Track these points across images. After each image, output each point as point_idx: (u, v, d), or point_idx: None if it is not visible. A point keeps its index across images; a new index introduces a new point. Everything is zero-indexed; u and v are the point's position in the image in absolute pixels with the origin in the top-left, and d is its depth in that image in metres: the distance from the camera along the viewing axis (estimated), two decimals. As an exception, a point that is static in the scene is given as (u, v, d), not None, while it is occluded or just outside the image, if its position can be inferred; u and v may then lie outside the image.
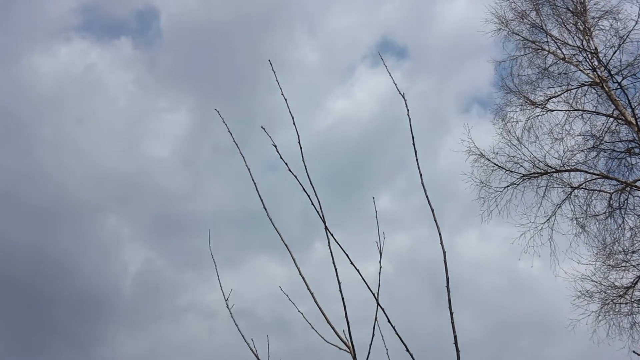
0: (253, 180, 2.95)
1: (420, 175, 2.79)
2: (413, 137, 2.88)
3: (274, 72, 3.05)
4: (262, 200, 2.90)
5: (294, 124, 2.94)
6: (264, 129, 2.79)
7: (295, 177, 2.70)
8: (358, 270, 2.56)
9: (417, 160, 2.90)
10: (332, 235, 2.69)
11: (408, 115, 2.93)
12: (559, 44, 13.62)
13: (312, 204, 2.66)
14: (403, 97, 3.03)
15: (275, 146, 2.74)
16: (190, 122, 27.29)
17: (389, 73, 3.08)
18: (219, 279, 3.12)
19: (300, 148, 2.88)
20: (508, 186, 13.67)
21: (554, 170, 13.01)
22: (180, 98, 27.81)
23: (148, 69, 28.84)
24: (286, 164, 2.70)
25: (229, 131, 3.13)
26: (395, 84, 3.12)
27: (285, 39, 28.10)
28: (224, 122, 3.13)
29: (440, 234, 2.68)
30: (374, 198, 2.91)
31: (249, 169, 3.03)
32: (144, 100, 27.29)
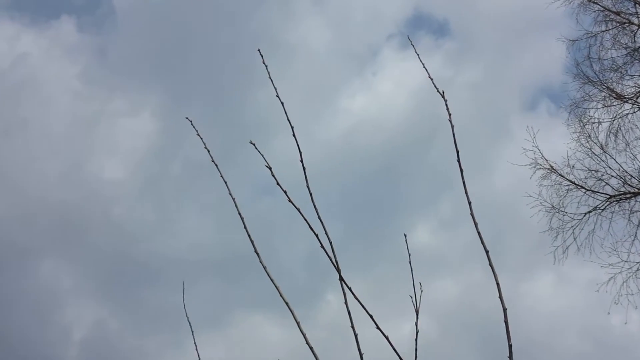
0: (240, 214, 2.96)
1: (469, 203, 2.79)
2: (457, 151, 2.88)
3: (266, 66, 3.09)
4: (252, 240, 2.90)
5: (294, 136, 2.96)
6: (253, 144, 2.80)
7: (298, 209, 2.71)
8: (386, 337, 2.55)
9: (463, 181, 2.90)
10: (349, 288, 2.69)
11: (450, 121, 2.94)
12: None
13: (322, 246, 2.67)
14: (442, 96, 3.05)
15: (270, 168, 2.75)
16: (155, 130, 27.50)
17: (423, 65, 3.11)
18: (196, 346, 3.11)
19: (304, 169, 2.89)
20: (590, 212, 13.63)
21: (652, 188, 12.99)
22: (142, 98, 28.10)
23: (98, 60, 29.21)
24: (285, 192, 2.72)
25: (205, 147, 3.16)
26: (432, 79, 3.14)
27: (281, 14, 28.44)
28: (198, 134, 3.16)
29: (498, 284, 2.67)
30: (405, 236, 2.91)
31: (233, 199, 3.04)
32: (93, 101, 27.56)
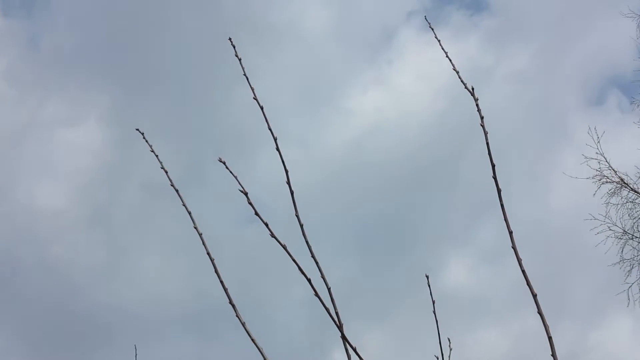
0: (208, 253, 2.96)
1: (510, 233, 2.78)
2: (493, 165, 2.87)
3: (239, 60, 3.10)
4: (225, 288, 2.90)
5: (277, 149, 2.97)
6: (223, 162, 2.79)
7: (283, 246, 2.70)
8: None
9: (501, 204, 2.89)
10: (353, 348, 2.67)
11: (483, 126, 2.93)
12: None
13: (316, 294, 2.64)
14: (472, 93, 3.04)
15: (246, 194, 2.74)
16: (103, 143, 27.50)
17: (446, 54, 3.12)
18: None
19: (291, 193, 2.89)
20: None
21: None
22: (85, 101, 28.13)
23: (28, 52, 29.28)
24: (266, 224, 2.70)
25: (162, 167, 3.17)
26: (457, 72, 3.15)
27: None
28: (152, 150, 3.16)
29: (550, 337, 2.65)
30: (428, 278, 2.88)
31: (200, 234, 3.03)
32: (21, 107, 27.61)
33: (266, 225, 2.72)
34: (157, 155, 3.21)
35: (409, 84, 27.53)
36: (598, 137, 14.87)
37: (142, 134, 3.22)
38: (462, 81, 3.22)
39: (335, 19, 28.74)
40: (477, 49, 26.85)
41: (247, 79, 3.12)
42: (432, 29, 3.37)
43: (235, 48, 3.10)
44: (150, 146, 3.22)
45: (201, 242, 3.02)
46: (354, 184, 24.90)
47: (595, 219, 14.51)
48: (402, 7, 29.71)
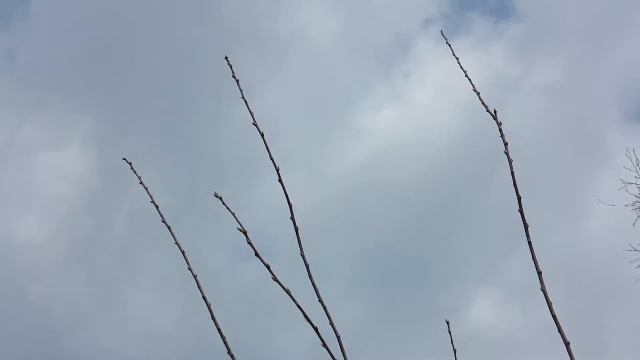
0: (204, 298, 2.98)
1: (539, 274, 2.80)
2: (519, 198, 2.91)
3: (237, 81, 3.13)
4: (223, 337, 2.92)
5: (280, 181, 3.00)
6: (219, 197, 2.82)
7: (287, 291, 2.73)
8: None
9: (529, 241, 2.91)
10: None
11: (507, 153, 2.96)
12: None
13: (324, 344, 2.66)
14: (494, 117, 3.07)
15: (245, 233, 2.77)
16: (88, 169, 27.57)
17: (465, 73, 3.15)
18: None
19: (296, 230, 2.91)
20: None
21: None
22: (68, 122, 28.21)
23: (4, 68, 29.41)
24: (267, 266, 2.73)
25: (152, 201, 3.21)
26: (477, 92, 3.17)
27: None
28: (140, 182, 3.19)
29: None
30: (448, 324, 2.90)
31: (194, 276, 3.06)
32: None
33: (267, 267, 2.74)
34: (146, 188, 3.24)
35: (428, 100, 27.36)
36: (637, 160, 14.84)
37: (130, 164, 3.26)
38: (483, 103, 3.25)
39: (344, 28, 28.63)
40: (503, 59, 26.80)
41: (246, 102, 3.16)
42: (449, 45, 3.41)
43: (233, 68, 3.15)
44: (139, 177, 3.26)
45: (197, 284, 3.05)
46: (366, 212, 24.76)
47: (636, 250, 14.48)
48: (418, 14, 29.55)
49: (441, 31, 3.37)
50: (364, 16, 29.24)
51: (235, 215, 2.98)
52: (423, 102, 27.46)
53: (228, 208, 3.03)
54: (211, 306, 2.97)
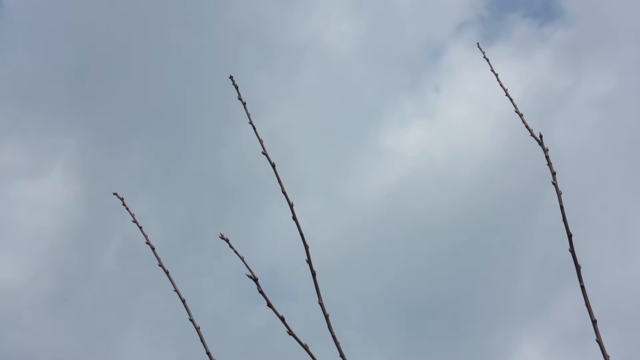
0: (208, 353, 2.99)
1: (593, 322, 2.79)
2: (569, 235, 2.90)
3: (244, 104, 3.15)
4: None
5: (294, 219, 3.02)
6: (226, 240, 2.84)
7: (305, 346, 2.73)
8: None
9: (582, 285, 2.91)
10: None
11: (555, 184, 2.96)
12: None
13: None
14: (539, 142, 3.08)
15: (256, 280, 2.78)
16: (72, 199, 27.55)
17: (505, 92, 3.15)
18: None
19: (313, 275, 2.92)
20: None
21: None
22: (48, 146, 28.24)
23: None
24: (282, 318, 2.74)
25: (148, 242, 3.23)
26: (520, 115, 3.18)
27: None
28: (134, 220, 3.22)
29: None
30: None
31: (197, 328, 3.07)
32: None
33: (282, 320, 2.75)
34: (140, 227, 3.25)
35: (462, 116, 26.91)
36: None
37: (122, 199, 3.29)
38: (527, 127, 3.26)
39: (366, 34, 28.26)
40: (548, 68, 26.53)
41: (254, 128, 3.18)
42: (487, 60, 3.42)
43: (239, 89, 3.16)
44: (132, 215, 3.27)
45: (200, 338, 3.07)
46: (393, 244, 24.45)
47: None
48: (450, 17, 29.06)
49: (477, 43, 3.38)
50: (388, 20, 28.98)
51: (245, 259, 2.98)
52: (457, 119, 27.05)
53: (236, 252, 3.02)
54: (216, 362, 2.97)
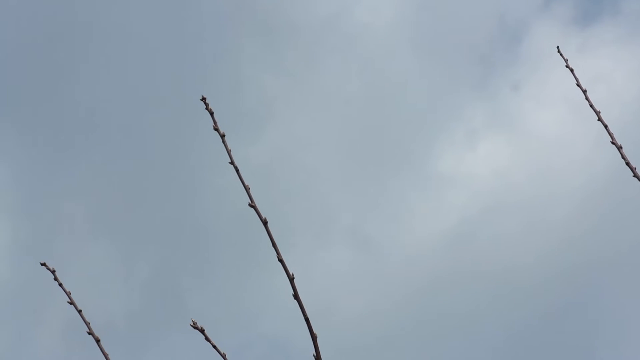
0: None
1: None
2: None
3: (222, 137, 3.00)
4: None
5: (309, 328, 2.86)
6: (201, 331, 2.83)
7: None
8: None
9: None
10: None
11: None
12: None
13: None
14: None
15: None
16: (11, 241, 26.24)
17: (599, 117, 2.64)
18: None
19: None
20: None
21: None
22: None
23: None
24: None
25: (91, 332, 3.23)
26: (620, 148, 3.01)
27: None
28: (71, 302, 3.22)
29: None
30: None
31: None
32: None
33: None
34: (80, 311, 3.14)
35: (552, 125, 22.44)
36: None
37: (53, 272, 3.14)
38: (628, 164, 2.89)
39: (414, 12, 23.98)
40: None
41: (242, 180, 2.83)
42: (572, 72, 3.00)
43: (214, 116, 2.88)
44: (68, 294, 3.15)
45: None
46: (452, 314, 18.99)
47: None
48: None
49: (557, 47, 2.98)
50: None
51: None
52: (545, 129, 22.60)
53: (215, 347, 2.94)
54: None
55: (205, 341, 2.99)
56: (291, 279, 2.90)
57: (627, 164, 2.94)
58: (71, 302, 3.13)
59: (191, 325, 2.95)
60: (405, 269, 19.52)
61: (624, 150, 2.96)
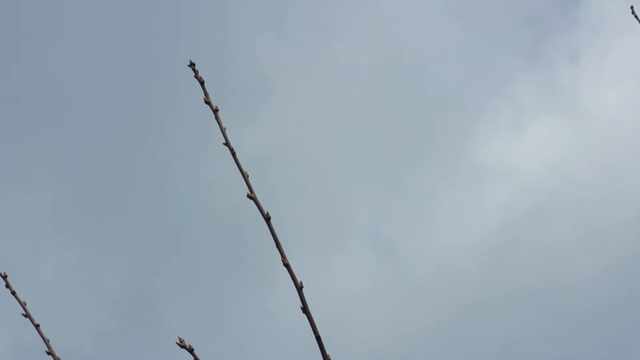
0: None
1: None
2: None
3: (215, 112, 2.80)
4: None
5: (321, 349, 2.69)
6: (190, 350, 2.74)
7: None
8: None
9: None
10: None
11: None
12: None
13: None
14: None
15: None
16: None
17: None
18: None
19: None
20: None
21: None
22: None
23: None
24: None
25: (51, 352, 3.14)
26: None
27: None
28: (26, 314, 3.19)
29: None
30: None
31: None
32: None
33: None
34: (37, 326, 3.08)
35: (617, 106, 18.05)
36: None
37: (4, 277, 3.13)
38: None
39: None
40: None
41: (239, 166, 2.78)
42: None
43: (204, 86, 2.85)
44: (23, 305, 3.12)
45: None
46: (503, 332, 15.75)
47: None
48: None
49: (632, 7, 2.61)
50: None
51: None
52: (610, 111, 17.51)
53: None
54: None
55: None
56: (299, 288, 2.70)
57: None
58: (26, 315, 3.06)
59: (177, 344, 2.75)
60: (435, 284, 17.04)
61: None
